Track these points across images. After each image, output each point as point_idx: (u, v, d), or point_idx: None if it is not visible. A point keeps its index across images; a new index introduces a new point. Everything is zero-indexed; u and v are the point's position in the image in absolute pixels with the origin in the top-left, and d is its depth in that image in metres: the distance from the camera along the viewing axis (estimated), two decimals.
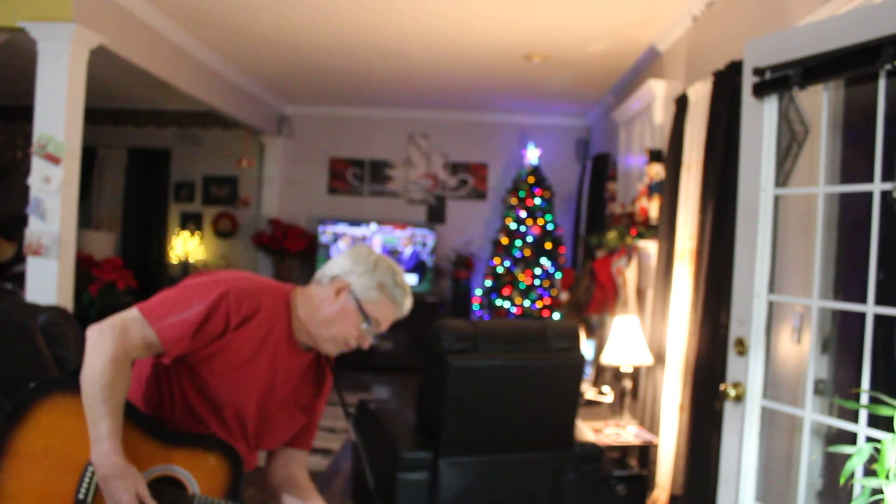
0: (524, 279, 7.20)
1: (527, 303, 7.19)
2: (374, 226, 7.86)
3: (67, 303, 4.05)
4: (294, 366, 1.82)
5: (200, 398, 1.71)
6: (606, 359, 4.08)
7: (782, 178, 2.49)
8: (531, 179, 7.36)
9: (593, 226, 6.51)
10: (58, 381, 1.66)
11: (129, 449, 1.58)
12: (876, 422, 1.88)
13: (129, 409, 1.64)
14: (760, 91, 2.28)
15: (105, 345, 1.58)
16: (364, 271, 1.78)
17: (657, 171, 4.36)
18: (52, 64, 3.99)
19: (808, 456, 2.20)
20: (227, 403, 1.72)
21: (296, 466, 1.94)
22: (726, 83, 3.20)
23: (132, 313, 1.64)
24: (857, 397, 1.97)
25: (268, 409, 1.80)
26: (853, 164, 2.31)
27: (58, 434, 1.61)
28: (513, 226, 7.30)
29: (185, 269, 8.10)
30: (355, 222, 7.88)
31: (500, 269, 7.29)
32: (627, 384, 4.09)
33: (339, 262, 1.82)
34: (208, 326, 1.66)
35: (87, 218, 8.00)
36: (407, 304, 1.83)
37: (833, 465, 2.32)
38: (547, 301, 7.21)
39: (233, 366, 1.71)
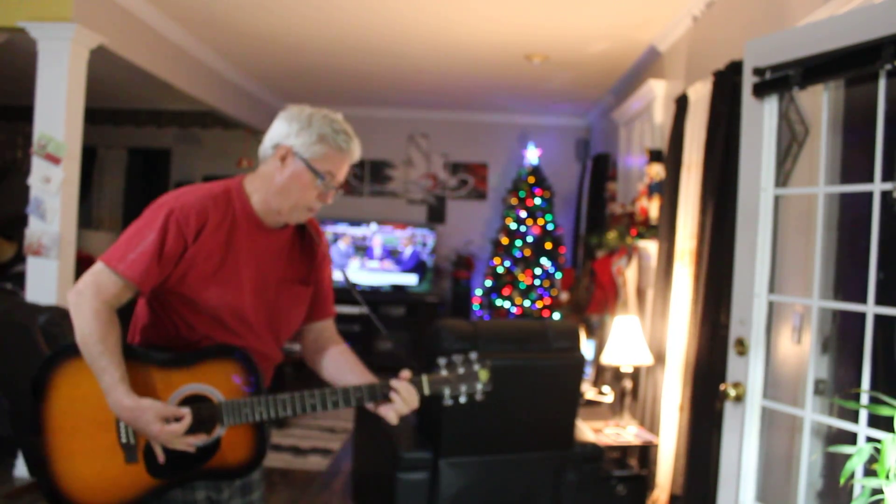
0: (524, 279, 7.20)
1: (527, 303, 7.19)
2: (374, 226, 7.86)
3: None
4: (274, 247, 1.83)
5: (196, 316, 1.74)
6: (606, 359, 4.08)
7: (782, 178, 2.49)
8: (531, 179, 7.36)
9: (593, 226, 6.51)
10: (62, 352, 1.71)
11: (146, 386, 1.67)
12: (876, 422, 1.88)
13: (134, 351, 1.71)
14: (760, 91, 2.28)
15: (85, 305, 1.64)
16: (301, 129, 1.74)
17: (657, 171, 4.37)
18: (52, 64, 4.00)
19: (808, 456, 2.20)
20: (222, 309, 1.74)
21: (325, 338, 1.98)
22: (726, 83, 3.20)
23: (98, 266, 1.68)
24: (857, 397, 1.97)
25: (267, 297, 1.81)
26: (853, 164, 2.31)
27: (80, 398, 1.68)
28: (513, 226, 7.30)
29: None
30: (355, 222, 7.88)
31: (500, 269, 7.29)
32: (627, 384, 4.09)
33: (275, 130, 1.78)
34: (167, 250, 1.67)
35: (87, 218, 8.00)
36: (354, 147, 1.79)
37: (833, 465, 2.32)
38: (547, 301, 7.21)
39: (209, 274, 1.72)
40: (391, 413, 1.76)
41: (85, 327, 1.63)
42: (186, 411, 1.65)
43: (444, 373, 1.79)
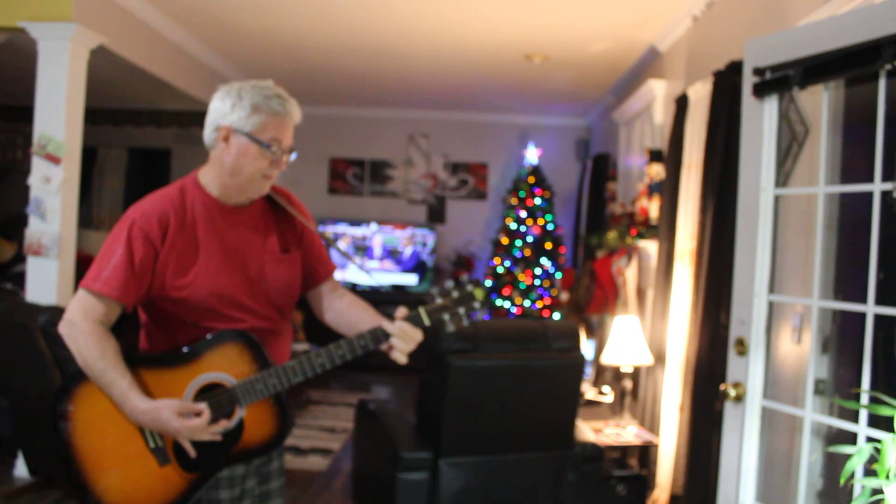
0: (524, 279, 7.20)
1: (527, 303, 7.19)
2: (374, 226, 7.86)
3: (67, 303, 4.05)
4: (247, 225, 1.84)
5: (192, 313, 1.76)
6: (606, 359, 4.08)
7: (782, 178, 2.49)
8: (531, 179, 7.36)
9: (593, 226, 6.51)
10: (69, 382, 1.75)
11: (158, 389, 1.71)
12: (876, 422, 1.88)
13: (138, 359, 1.75)
14: (760, 91, 2.28)
15: (77, 331, 1.68)
16: (233, 105, 1.75)
17: (657, 171, 4.37)
18: (52, 64, 3.99)
19: (808, 456, 2.20)
20: (212, 300, 1.76)
21: (330, 298, 2.00)
22: (726, 83, 3.20)
23: (79, 293, 1.72)
24: (857, 397, 1.97)
25: (254, 274, 1.83)
26: (853, 164, 2.31)
27: (100, 419, 1.72)
28: (513, 226, 7.30)
29: None
30: (355, 222, 7.89)
31: (500, 269, 7.29)
32: (627, 384, 4.09)
33: (211, 113, 1.80)
34: (139, 259, 1.70)
35: (87, 218, 7.99)
36: (292, 108, 1.78)
37: (833, 465, 2.32)
38: (547, 301, 7.21)
39: (187, 271, 1.75)
40: (398, 355, 1.78)
41: (83, 350, 1.67)
42: (204, 406, 1.69)
43: (439, 300, 1.79)
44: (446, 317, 1.78)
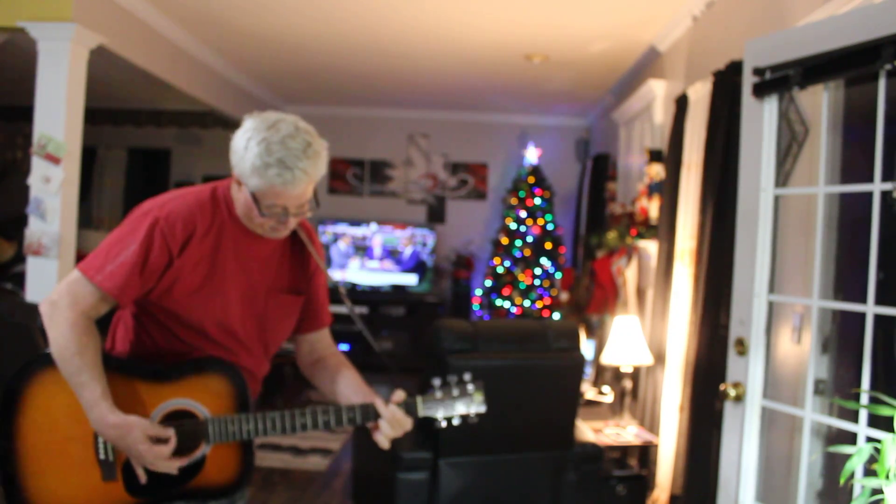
0: (524, 279, 7.20)
1: (527, 303, 7.19)
2: (374, 226, 7.86)
3: None
4: (263, 254, 1.73)
5: (182, 328, 1.67)
6: (606, 359, 4.08)
7: (782, 178, 2.48)
8: (531, 179, 7.36)
9: (593, 226, 6.51)
10: (37, 361, 1.62)
11: (131, 399, 1.59)
12: (876, 422, 1.88)
13: (116, 362, 1.64)
14: (760, 91, 2.28)
15: (61, 316, 1.55)
16: (240, 158, 1.57)
17: (657, 171, 4.37)
18: (52, 64, 3.99)
19: (808, 456, 2.20)
20: (208, 322, 1.67)
21: (320, 349, 1.91)
22: (726, 83, 3.20)
23: (74, 275, 1.59)
24: (857, 397, 1.97)
25: (256, 307, 1.73)
26: (853, 164, 2.31)
27: (56, 411, 1.60)
28: (513, 226, 7.30)
29: None
30: (355, 222, 7.89)
31: (500, 269, 7.29)
32: (627, 384, 4.09)
33: (231, 150, 1.62)
34: (150, 262, 1.58)
35: (87, 218, 7.99)
36: (295, 176, 1.54)
37: (833, 465, 2.32)
38: (547, 301, 7.21)
39: (194, 288, 1.64)
40: (381, 438, 1.69)
41: (61, 340, 1.54)
42: (171, 433, 1.58)
43: (438, 394, 1.73)
44: (440, 413, 1.73)
